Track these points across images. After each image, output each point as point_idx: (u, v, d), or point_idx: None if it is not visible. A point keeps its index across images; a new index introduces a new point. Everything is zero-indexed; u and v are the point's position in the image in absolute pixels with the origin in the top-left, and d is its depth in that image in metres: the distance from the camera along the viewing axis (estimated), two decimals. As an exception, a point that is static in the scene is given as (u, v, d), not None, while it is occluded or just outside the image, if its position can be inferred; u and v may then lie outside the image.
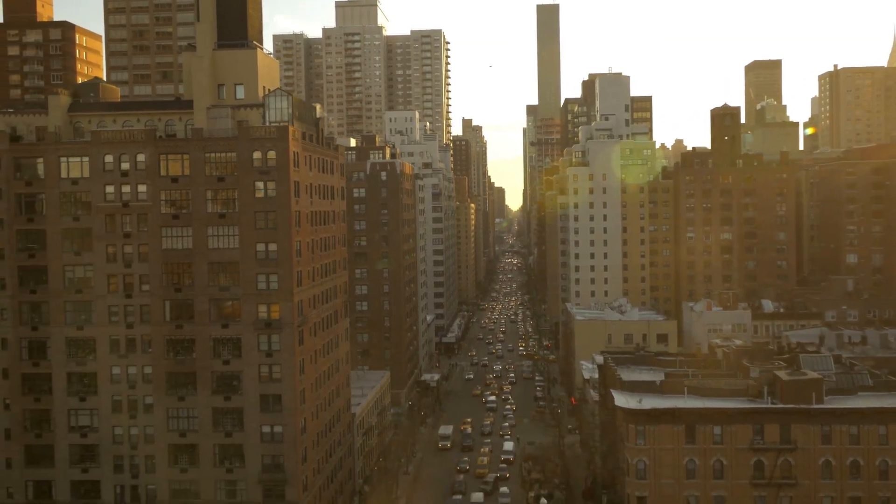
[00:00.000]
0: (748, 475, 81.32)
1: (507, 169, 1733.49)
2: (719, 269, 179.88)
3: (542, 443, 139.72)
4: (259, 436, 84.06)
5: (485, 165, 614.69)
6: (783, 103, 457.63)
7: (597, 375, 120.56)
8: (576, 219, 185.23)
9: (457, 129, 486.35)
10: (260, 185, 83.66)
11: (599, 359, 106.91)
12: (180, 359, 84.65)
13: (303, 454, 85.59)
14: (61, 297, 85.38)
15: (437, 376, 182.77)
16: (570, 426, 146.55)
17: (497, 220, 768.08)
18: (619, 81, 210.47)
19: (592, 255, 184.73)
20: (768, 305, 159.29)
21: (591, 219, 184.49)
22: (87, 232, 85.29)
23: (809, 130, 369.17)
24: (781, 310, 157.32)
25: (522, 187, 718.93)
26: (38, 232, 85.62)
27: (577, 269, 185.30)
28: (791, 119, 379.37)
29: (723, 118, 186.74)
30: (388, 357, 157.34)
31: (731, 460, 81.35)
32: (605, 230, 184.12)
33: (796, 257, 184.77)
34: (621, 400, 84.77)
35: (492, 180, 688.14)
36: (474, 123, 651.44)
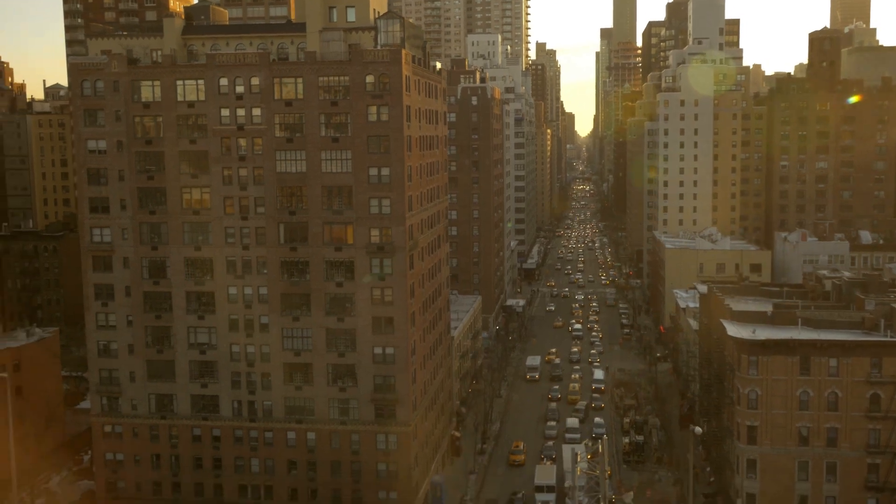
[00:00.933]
0: (863, 408, 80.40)
1: (575, 94, 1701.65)
2: (813, 199, 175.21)
3: (632, 370, 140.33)
4: (371, 356, 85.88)
5: (558, 90, 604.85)
6: (872, 26, 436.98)
7: (693, 304, 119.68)
8: (665, 146, 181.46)
9: (531, 53, 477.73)
10: (373, 109, 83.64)
11: (703, 288, 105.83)
12: (294, 280, 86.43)
13: (412, 375, 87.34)
14: (179, 218, 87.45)
15: (521, 302, 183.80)
16: (658, 354, 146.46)
17: (567, 147, 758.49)
18: (713, 4, 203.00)
19: (681, 183, 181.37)
20: (866, 237, 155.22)
21: (682, 146, 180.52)
22: (204, 155, 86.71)
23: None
24: (881, 241, 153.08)
25: (594, 112, 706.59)
26: (157, 154, 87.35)
27: (665, 196, 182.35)
28: (881, 44, 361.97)
29: (821, 42, 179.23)
30: (477, 282, 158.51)
31: (846, 393, 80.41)
32: (695, 157, 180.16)
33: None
34: (733, 330, 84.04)
35: (564, 105, 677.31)
36: (548, 47, 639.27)
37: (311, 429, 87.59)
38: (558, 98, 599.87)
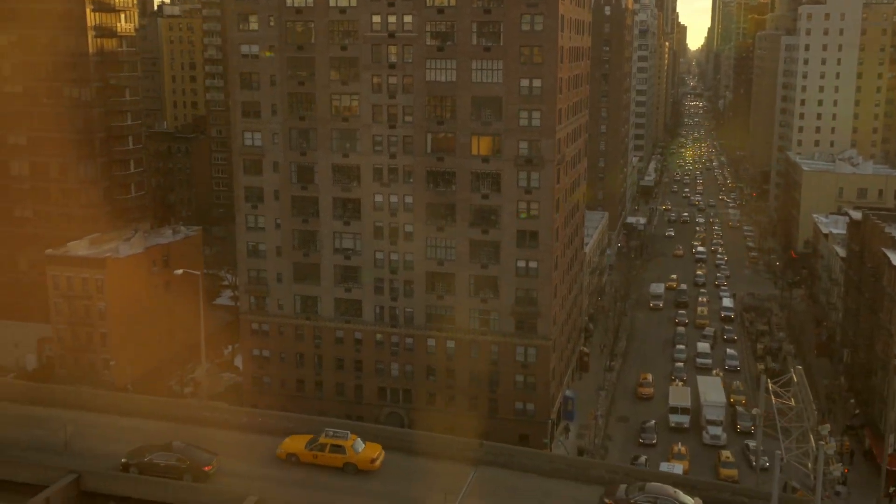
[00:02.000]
0: None
1: (685, 5, 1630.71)
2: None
3: (762, 295, 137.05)
4: (514, 270, 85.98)
5: (675, 1, 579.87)
6: None
7: (837, 230, 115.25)
8: (805, 62, 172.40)
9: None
10: (526, 18, 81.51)
11: (856, 214, 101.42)
12: (440, 191, 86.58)
13: (554, 290, 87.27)
14: (328, 124, 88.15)
15: (642, 220, 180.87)
16: (788, 280, 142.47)
17: (679, 61, 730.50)
18: None
19: (820, 103, 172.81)
20: None
21: (823, 62, 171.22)
22: (354, 62, 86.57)
23: None
24: None
25: (709, 25, 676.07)
26: (307, 60, 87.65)
27: (801, 116, 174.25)
28: None
29: None
30: (601, 198, 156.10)
31: None
32: (837, 76, 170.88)
33: None
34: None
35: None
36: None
37: (451, 337, 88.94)
38: (674, 9, 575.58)
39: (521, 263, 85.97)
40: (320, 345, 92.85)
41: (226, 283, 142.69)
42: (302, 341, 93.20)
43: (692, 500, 42.95)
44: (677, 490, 43.40)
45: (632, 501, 42.57)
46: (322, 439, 47.09)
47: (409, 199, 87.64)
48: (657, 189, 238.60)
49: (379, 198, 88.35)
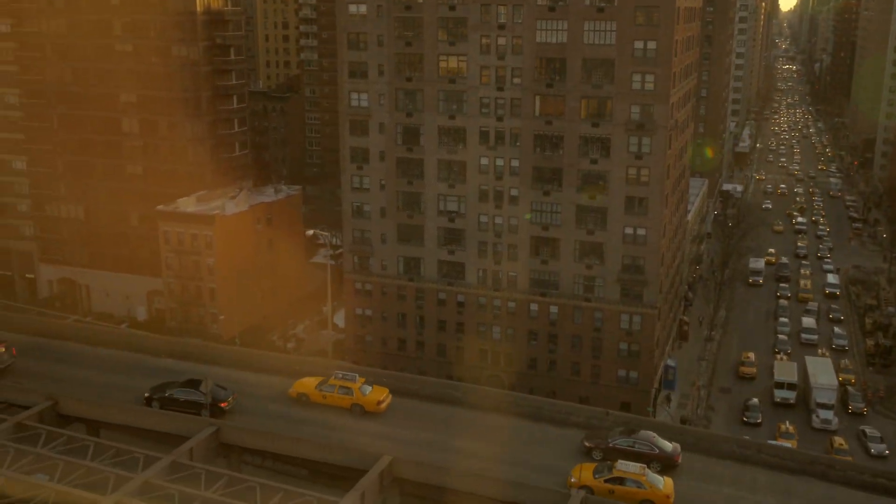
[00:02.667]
0: None
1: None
2: None
3: (868, 268, 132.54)
4: (621, 236, 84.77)
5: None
6: None
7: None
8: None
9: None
10: (643, -23, 79.27)
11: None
12: (547, 154, 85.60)
13: (661, 258, 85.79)
14: (435, 85, 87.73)
15: (739, 187, 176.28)
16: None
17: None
18: None
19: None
20: None
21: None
22: (462, 22, 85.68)
23: None
24: None
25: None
26: (415, 20, 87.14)
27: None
28: None
29: None
30: (698, 164, 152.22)
31: None
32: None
33: None
34: None
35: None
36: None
37: (554, 302, 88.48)
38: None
39: (629, 230, 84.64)
40: (422, 306, 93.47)
41: (320, 241, 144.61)
42: (404, 302, 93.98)
43: (670, 445, 43.99)
44: (656, 435, 44.56)
45: (610, 444, 43.89)
46: (331, 381, 48.99)
47: (515, 163, 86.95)
48: (751, 155, 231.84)
49: (484, 160, 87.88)
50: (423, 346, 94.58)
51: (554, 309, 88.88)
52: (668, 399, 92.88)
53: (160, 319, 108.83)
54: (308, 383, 49.63)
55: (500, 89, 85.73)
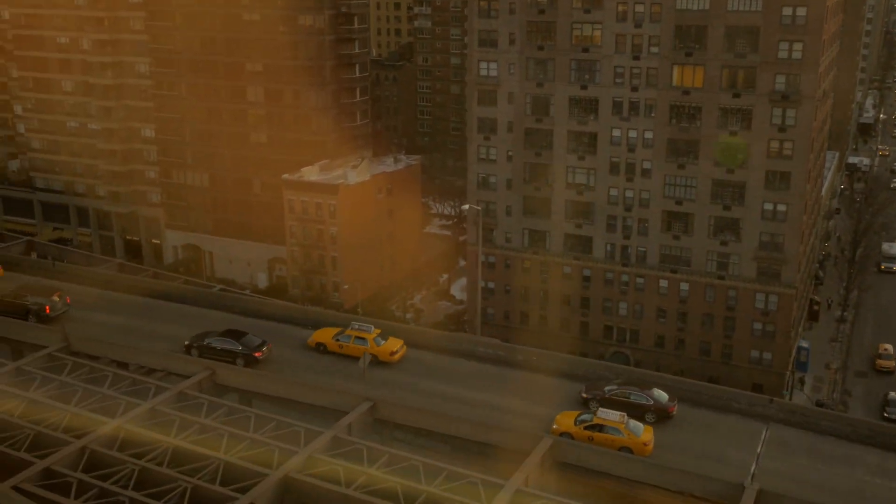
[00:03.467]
0: None
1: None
2: None
3: None
4: (760, 212, 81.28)
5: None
6: None
7: None
8: None
9: None
10: (795, -62, 74.96)
11: None
12: (683, 126, 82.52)
13: (801, 235, 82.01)
14: (567, 55, 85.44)
15: (866, 161, 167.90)
16: None
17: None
18: None
19: None
20: None
21: None
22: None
23: None
24: None
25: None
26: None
27: None
28: None
29: None
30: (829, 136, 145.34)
31: None
32: None
33: None
34: None
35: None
36: None
37: (686, 279, 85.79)
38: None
39: (769, 206, 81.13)
40: (546, 280, 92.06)
41: (433, 211, 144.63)
42: (528, 275, 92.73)
43: (666, 396, 45.14)
44: (654, 388, 45.79)
45: (607, 395, 45.14)
46: (348, 331, 51.25)
47: (648, 135, 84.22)
48: (875, 126, 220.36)
49: (617, 132, 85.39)
50: (545, 320, 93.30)
51: (685, 286, 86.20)
52: (802, 382, 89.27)
53: (281, 287, 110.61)
54: (326, 333, 52.09)
55: (636, 58, 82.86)
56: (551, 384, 48.63)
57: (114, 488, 37.27)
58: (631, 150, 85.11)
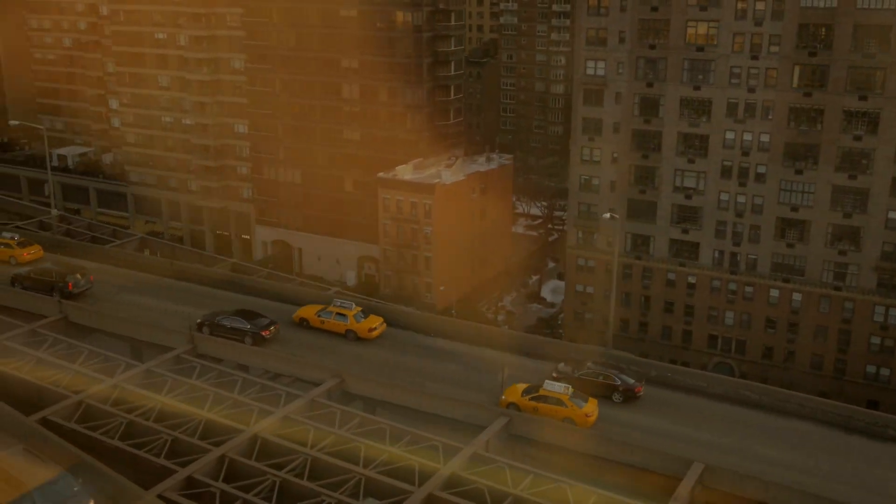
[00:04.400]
0: None
1: None
2: None
3: None
4: (884, 221, 77.35)
5: None
6: None
7: None
8: None
9: None
10: (933, -67, 70.93)
11: None
12: (803, 130, 78.99)
13: (928, 246, 77.83)
14: (680, 54, 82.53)
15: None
16: None
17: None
18: None
19: None
20: None
21: None
22: (714, -15, 79.89)
23: None
24: None
25: None
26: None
27: None
28: None
29: None
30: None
31: None
32: None
33: None
34: None
35: None
36: None
37: (799, 289, 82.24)
38: None
39: (893, 214, 77.12)
40: (649, 286, 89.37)
41: (518, 210, 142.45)
42: (629, 280, 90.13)
43: (633, 378, 46.25)
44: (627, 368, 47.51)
45: (576, 375, 46.45)
46: (329, 308, 52.97)
47: (764, 138, 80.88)
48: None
49: (730, 135, 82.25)
50: (646, 327, 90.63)
51: (797, 296, 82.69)
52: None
53: (370, 285, 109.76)
54: (309, 310, 53.76)
55: (755, 58, 79.58)
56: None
57: (256, 500, 36.23)
58: (745, 153, 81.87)
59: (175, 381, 45.23)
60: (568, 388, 43.61)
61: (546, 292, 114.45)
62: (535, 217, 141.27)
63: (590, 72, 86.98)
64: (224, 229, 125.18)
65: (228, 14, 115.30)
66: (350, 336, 51.96)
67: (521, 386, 44.99)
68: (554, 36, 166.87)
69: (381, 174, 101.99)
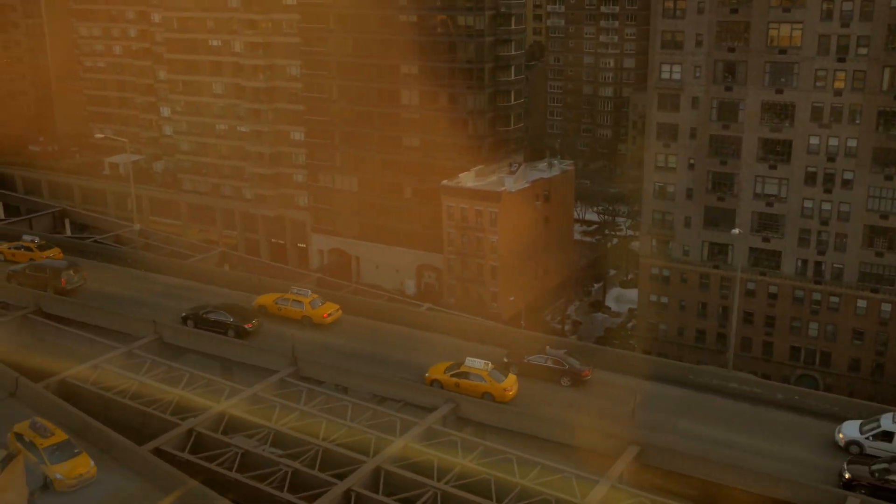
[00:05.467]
0: None
1: None
2: None
3: None
4: (981, 229, 74.46)
5: None
6: None
7: None
8: None
9: None
10: None
11: None
12: (893, 134, 76.12)
13: None
14: (761, 56, 79.89)
15: None
16: None
17: None
18: None
19: None
20: None
21: None
22: (799, -15, 77.20)
23: None
24: None
25: None
26: (742, -16, 79.53)
27: None
28: None
29: None
30: None
31: None
32: None
33: None
34: None
35: None
36: None
37: (888, 300, 79.38)
38: None
39: None
40: (727, 296, 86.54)
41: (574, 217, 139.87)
42: (707, 290, 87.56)
43: (578, 363, 47.60)
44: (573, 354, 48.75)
45: (525, 360, 47.97)
46: (286, 295, 54.74)
47: (851, 143, 78.09)
48: None
49: (815, 140, 79.49)
50: (724, 338, 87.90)
51: (886, 307, 79.84)
52: None
53: (430, 294, 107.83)
54: (267, 298, 55.39)
55: (842, 60, 76.82)
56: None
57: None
58: (831, 159, 79.10)
59: (283, 407, 43.56)
60: (487, 364, 45.47)
61: (610, 301, 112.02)
62: (589, 223, 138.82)
63: (664, 76, 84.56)
64: (279, 238, 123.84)
65: (284, 21, 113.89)
66: (306, 322, 53.42)
67: (445, 364, 46.87)
68: (602, 38, 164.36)
69: (444, 182, 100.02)
